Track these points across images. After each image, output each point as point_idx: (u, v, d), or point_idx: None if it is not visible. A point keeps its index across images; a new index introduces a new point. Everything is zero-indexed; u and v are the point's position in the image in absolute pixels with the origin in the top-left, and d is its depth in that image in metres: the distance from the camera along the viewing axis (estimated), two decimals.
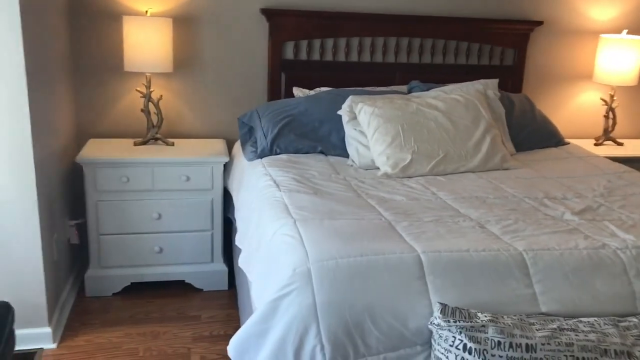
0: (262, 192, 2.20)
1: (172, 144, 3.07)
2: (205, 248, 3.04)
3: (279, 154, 2.70)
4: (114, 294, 2.99)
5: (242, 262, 2.12)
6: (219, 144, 3.16)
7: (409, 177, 2.52)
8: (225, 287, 3.11)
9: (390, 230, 1.83)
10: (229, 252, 3.17)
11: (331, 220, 1.87)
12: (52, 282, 2.60)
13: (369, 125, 2.65)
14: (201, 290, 3.09)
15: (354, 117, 2.73)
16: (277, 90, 3.27)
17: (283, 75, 3.25)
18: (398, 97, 2.83)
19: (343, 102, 2.81)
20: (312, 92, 3.08)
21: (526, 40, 3.53)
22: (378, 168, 2.60)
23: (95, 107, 3.15)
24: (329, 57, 3.30)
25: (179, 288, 3.07)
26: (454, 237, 1.80)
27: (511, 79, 3.53)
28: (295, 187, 2.19)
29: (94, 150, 2.91)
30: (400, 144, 2.58)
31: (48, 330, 2.52)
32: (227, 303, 2.99)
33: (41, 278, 2.46)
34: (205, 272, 3.07)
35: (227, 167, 2.99)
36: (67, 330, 2.66)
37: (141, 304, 2.93)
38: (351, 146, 2.71)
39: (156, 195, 2.91)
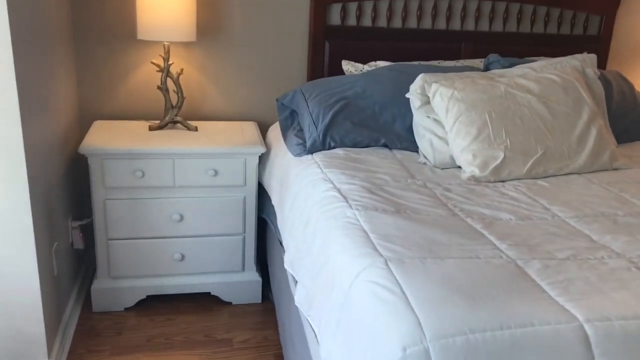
0: (325, 207, 1.67)
1: (196, 129, 2.53)
2: (235, 255, 2.53)
3: (333, 147, 2.15)
4: (126, 309, 2.50)
5: (302, 301, 1.60)
6: (251, 129, 2.61)
7: (502, 181, 1.98)
8: (259, 300, 2.62)
9: (522, 277, 1.30)
10: (263, 258, 2.66)
11: (436, 261, 1.34)
12: (52, 303, 2.09)
13: (448, 112, 2.09)
14: (230, 303, 2.59)
15: (426, 102, 2.17)
16: (319, 63, 2.71)
17: (327, 45, 2.69)
18: (479, 76, 2.26)
19: (409, 81, 2.25)
20: (367, 68, 2.52)
21: (616, 5, 2.94)
22: (459, 167, 2.06)
23: (102, 82, 2.59)
24: (382, 22, 2.73)
25: (204, 302, 2.57)
26: (615, 289, 1.27)
27: (594, 52, 2.94)
28: (370, 201, 1.65)
29: (100, 137, 2.37)
30: (489, 138, 2.03)
31: None
32: (262, 321, 2.49)
33: (38, 302, 1.96)
34: (235, 283, 2.57)
35: (262, 158, 2.45)
36: None
37: (160, 323, 2.44)
38: (423, 138, 2.16)
39: (177, 193, 2.39)
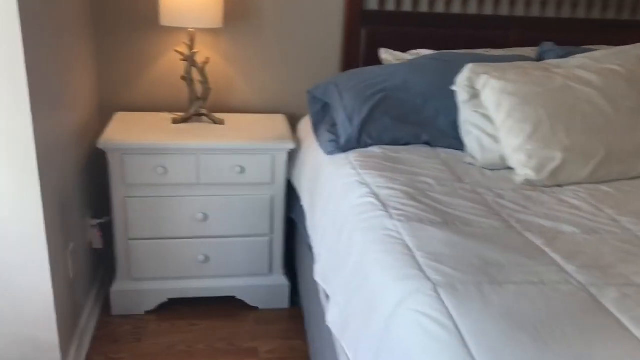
0: (361, 215, 1.48)
1: (222, 122, 2.36)
2: (262, 257, 2.37)
3: (369, 145, 1.96)
4: (147, 312, 2.36)
5: (335, 321, 1.42)
6: (280, 123, 2.43)
7: (560, 186, 1.77)
8: (286, 306, 2.45)
9: (597, 310, 1.10)
10: (291, 261, 2.49)
11: (494, 287, 1.14)
12: (67, 307, 1.96)
13: (499, 107, 1.88)
14: (256, 308, 2.43)
15: (474, 95, 1.96)
16: (354, 52, 2.51)
17: (363, 32, 2.48)
18: (533, 67, 2.04)
19: (455, 71, 2.03)
20: (407, 57, 2.31)
21: None
22: (511, 168, 1.85)
23: (123, 72, 2.44)
24: (424, 7, 2.52)
25: (228, 306, 2.42)
26: None
27: None
28: (413, 210, 1.46)
29: (120, 131, 2.21)
30: (546, 136, 1.81)
31: None
32: (290, 329, 2.33)
33: (50, 309, 1.82)
34: (261, 287, 2.41)
35: (291, 155, 2.27)
36: None
37: (181, 328, 2.29)
38: (470, 135, 1.95)
39: (201, 191, 2.23)
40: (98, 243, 2.32)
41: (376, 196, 1.55)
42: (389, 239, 1.33)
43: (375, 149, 1.92)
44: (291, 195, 2.33)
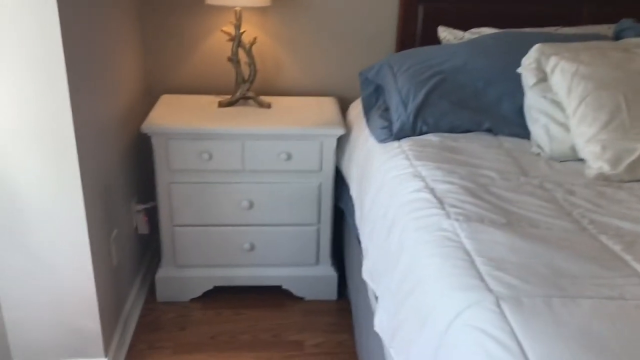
0: (415, 213, 1.35)
1: (269, 106, 2.26)
2: (309, 247, 2.27)
3: (425, 132, 1.81)
4: (192, 299, 2.31)
5: (383, 327, 1.31)
6: (330, 107, 2.31)
7: (639, 181, 1.58)
8: (334, 297, 2.36)
9: None
10: (339, 252, 2.39)
11: (566, 302, 1.00)
12: (111, 295, 1.93)
13: (571, 92, 1.69)
14: (302, 299, 2.35)
15: (543, 79, 1.78)
16: (410, 30, 2.35)
17: (420, 9, 2.32)
18: (610, 47, 1.84)
19: (521, 52, 1.85)
20: (468, 36, 2.14)
21: None
22: (582, 160, 1.67)
23: (169, 53, 2.38)
24: None
25: (274, 295, 2.35)
26: None
27: None
28: (473, 208, 1.32)
29: (165, 115, 2.15)
30: (624, 125, 1.62)
31: None
32: (336, 322, 2.24)
33: (93, 298, 1.79)
34: (308, 278, 2.32)
35: (341, 141, 2.16)
36: (131, 359, 2.01)
37: (226, 317, 2.24)
38: (537, 123, 1.77)
39: (247, 178, 2.15)
40: (144, 228, 2.29)
41: (432, 191, 1.41)
42: (445, 241, 1.20)
43: (432, 137, 1.77)
44: (339, 183, 2.22)
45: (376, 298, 1.52)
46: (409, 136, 1.79)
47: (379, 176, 1.66)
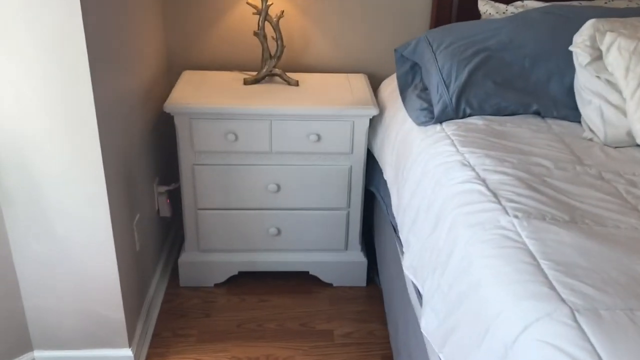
0: (467, 207, 1.24)
1: (296, 84, 2.15)
2: (338, 231, 2.18)
3: (469, 115, 1.69)
4: (216, 285, 2.24)
5: (432, 331, 1.22)
6: (361, 84, 2.19)
7: None
8: (363, 284, 2.27)
9: None
10: (369, 237, 2.29)
11: None
12: (134, 282, 1.86)
13: (629, 72, 1.56)
14: (330, 285, 2.27)
15: (597, 57, 1.64)
16: (446, 3, 2.21)
17: None
18: None
19: (571, 28, 1.72)
20: (512, 9, 2.00)
21: None
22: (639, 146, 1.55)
23: (192, 27, 2.25)
24: None
25: (301, 281, 2.27)
26: None
27: None
28: (531, 202, 1.20)
29: (189, 92, 2.04)
30: None
31: (129, 353, 1.80)
32: (366, 310, 2.15)
33: (116, 286, 1.71)
34: (336, 263, 2.23)
35: (372, 121, 2.04)
36: (155, 348, 1.94)
37: (252, 304, 2.16)
38: (589, 105, 1.64)
39: (274, 160, 2.04)
40: (166, 211, 2.20)
41: (483, 182, 1.30)
42: (505, 240, 1.09)
43: (477, 120, 1.65)
44: (371, 166, 2.11)
45: (418, 293, 1.42)
46: (451, 119, 1.67)
47: (421, 163, 1.55)
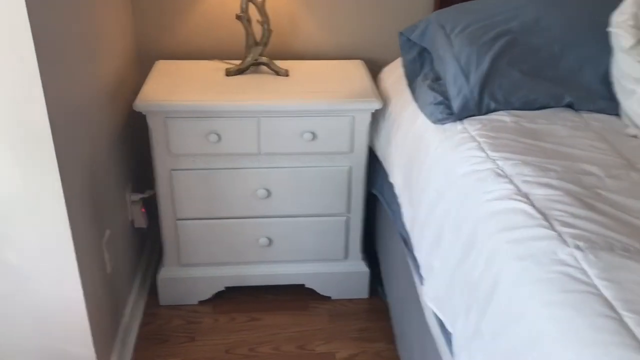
0: (509, 232, 1.00)
1: (286, 74, 1.88)
2: (336, 239, 1.94)
3: (494, 110, 1.44)
4: (200, 302, 1.99)
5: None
6: (359, 72, 1.94)
7: None
8: (365, 295, 2.05)
9: None
10: (370, 244, 2.05)
11: None
12: (105, 309, 1.61)
13: None
14: (329, 298, 2.03)
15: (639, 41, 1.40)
16: None
17: None
18: None
19: (606, 5, 1.48)
20: None
21: None
22: None
23: (165, 11, 1.97)
24: None
25: (296, 296, 2.03)
26: None
27: None
28: (592, 227, 0.96)
29: (162, 87, 1.77)
30: None
31: None
32: (370, 327, 1.93)
33: (83, 318, 1.46)
34: (335, 275, 2.00)
35: (375, 115, 1.79)
36: None
37: (242, 324, 1.92)
38: (632, 96, 1.41)
39: (263, 162, 1.79)
40: (141, 222, 1.94)
41: (527, 199, 1.06)
42: (568, 282, 0.85)
43: (504, 117, 1.41)
44: (372, 166, 1.87)
45: (441, 326, 1.19)
46: (473, 115, 1.43)
47: (441, 170, 1.30)
